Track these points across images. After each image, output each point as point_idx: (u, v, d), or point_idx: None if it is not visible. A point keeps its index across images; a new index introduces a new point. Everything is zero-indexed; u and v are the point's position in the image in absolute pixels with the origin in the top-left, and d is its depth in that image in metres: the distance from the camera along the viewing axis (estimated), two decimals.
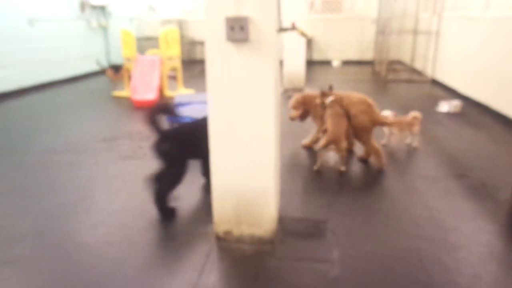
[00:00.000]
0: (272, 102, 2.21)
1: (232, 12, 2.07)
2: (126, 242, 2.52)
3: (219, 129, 2.31)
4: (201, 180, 3.34)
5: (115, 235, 2.60)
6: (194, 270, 2.23)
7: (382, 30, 8.68)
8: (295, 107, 4.15)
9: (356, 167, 3.70)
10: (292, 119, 4.20)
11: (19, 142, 4.53)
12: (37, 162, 3.89)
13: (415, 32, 8.40)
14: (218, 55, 2.17)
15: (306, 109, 4.14)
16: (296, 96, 4.16)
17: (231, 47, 2.14)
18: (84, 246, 2.49)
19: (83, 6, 8.97)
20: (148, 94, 6.24)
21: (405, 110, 5.64)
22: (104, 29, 9.86)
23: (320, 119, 3.91)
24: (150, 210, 2.90)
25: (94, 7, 9.37)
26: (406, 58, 9.56)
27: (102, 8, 9.69)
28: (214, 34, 2.14)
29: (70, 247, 2.48)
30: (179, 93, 6.85)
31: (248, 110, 2.23)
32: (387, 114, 4.05)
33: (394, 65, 9.36)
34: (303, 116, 4.20)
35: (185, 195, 3.14)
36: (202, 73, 9.58)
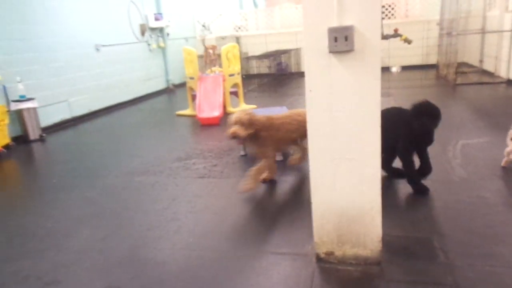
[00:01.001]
0: (378, 113, 2.08)
1: (335, 23, 1.97)
2: (222, 266, 2.45)
3: (320, 145, 2.20)
4: (294, 197, 3.27)
5: (208, 259, 2.54)
6: None
7: (448, 32, 8.27)
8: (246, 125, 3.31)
9: (443, 176, 3.45)
10: (235, 137, 3.33)
11: (99, 164, 4.67)
12: (119, 184, 3.97)
13: (482, 31, 7.93)
14: (318, 67, 2.08)
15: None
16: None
17: (332, 58, 2.04)
18: (180, 271, 2.44)
19: (143, 30, 9.32)
20: (213, 112, 6.29)
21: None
22: (163, 49, 10.19)
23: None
24: (239, 231, 2.83)
25: (153, 30, 9.72)
26: (472, 59, 9.04)
27: (160, 30, 10.03)
28: (314, 46, 2.06)
29: (167, 272, 2.45)
30: (243, 109, 6.84)
31: (352, 124, 2.11)
32: None
33: (460, 67, 8.88)
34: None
35: (279, 212, 3.06)
36: (258, 88, 9.59)
